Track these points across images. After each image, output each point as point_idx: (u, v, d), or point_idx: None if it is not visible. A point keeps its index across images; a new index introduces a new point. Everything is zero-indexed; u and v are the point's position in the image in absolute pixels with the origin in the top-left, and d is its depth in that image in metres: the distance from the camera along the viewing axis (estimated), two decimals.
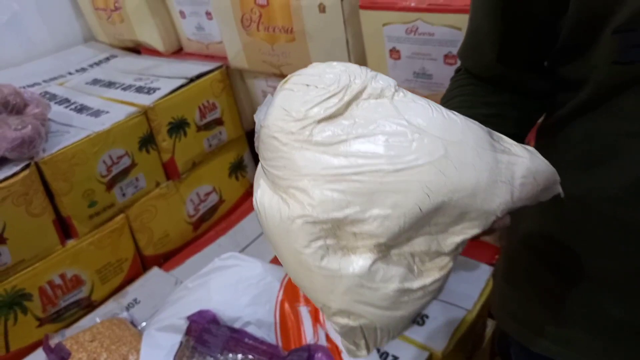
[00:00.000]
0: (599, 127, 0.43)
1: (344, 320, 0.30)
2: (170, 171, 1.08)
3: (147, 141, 1.03)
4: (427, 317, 0.91)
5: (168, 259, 1.11)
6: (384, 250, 0.29)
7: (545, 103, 0.51)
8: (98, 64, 1.29)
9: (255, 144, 0.33)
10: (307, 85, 0.31)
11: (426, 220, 0.30)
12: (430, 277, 0.31)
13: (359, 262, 0.29)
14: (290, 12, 0.92)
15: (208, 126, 1.13)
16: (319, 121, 0.29)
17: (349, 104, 0.30)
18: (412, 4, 0.78)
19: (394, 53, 0.84)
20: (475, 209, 0.30)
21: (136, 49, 1.35)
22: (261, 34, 0.99)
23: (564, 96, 0.46)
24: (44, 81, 1.21)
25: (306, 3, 0.89)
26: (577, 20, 0.41)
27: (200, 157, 1.13)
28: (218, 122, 1.15)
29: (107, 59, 1.31)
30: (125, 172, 1.00)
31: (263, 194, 0.31)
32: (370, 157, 0.28)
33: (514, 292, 0.63)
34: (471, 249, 1.02)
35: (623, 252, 0.46)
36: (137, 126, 1.00)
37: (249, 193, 1.28)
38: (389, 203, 0.28)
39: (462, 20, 0.74)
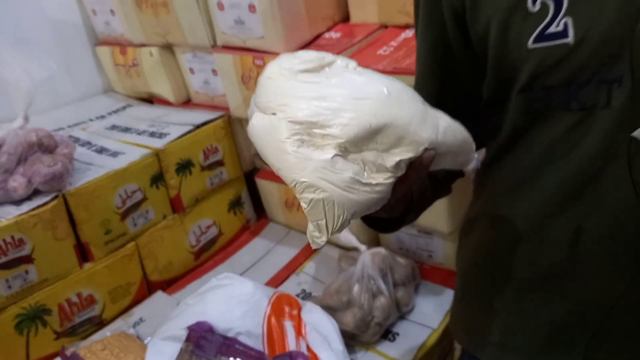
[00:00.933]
0: (518, 160, 0.57)
1: (310, 195, 0.41)
2: (176, 205, 1.23)
3: (157, 179, 1.18)
4: (398, 334, 1.03)
5: (171, 284, 1.24)
6: (344, 150, 0.42)
7: (480, 145, 0.66)
8: (116, 112, 1.46)
9: (249, 113, 0.46)
10: (293, 56, 0.45)
11: (373, 136, 0.42)
12: (375, 180, 0.43)
13: (325, 153, 0.41)
14: None
15: (211, 167, 1.29)
16: (302, 71, 0.43)
17: (323, 66, 0.44)
18: (381, 66, 0.96)
19: None
20: (409, 137, 0.43)
21: (149, 99, 1.53)
22: None
23: (492, 140, 0.61)
24: (69, 126, 1.37)
25: None
26: (493, 84, 0.56)
27: (203, 194, 1.28)
28: (219, 163, 1.31)
29: (124, 107, 1.49)
30: (137, 205, 1.15)
31: (257, 117, 0.44)
32: (339, 89, 0.42)
33: (464, 307, 0.75)
34: (439, 276, 1.16)
35: (541, 262, 0.58)
36: (149, 165, 1.16)
37: (245, 227, 1.42)
38: (348, 117, 0.41)
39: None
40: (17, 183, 1.00)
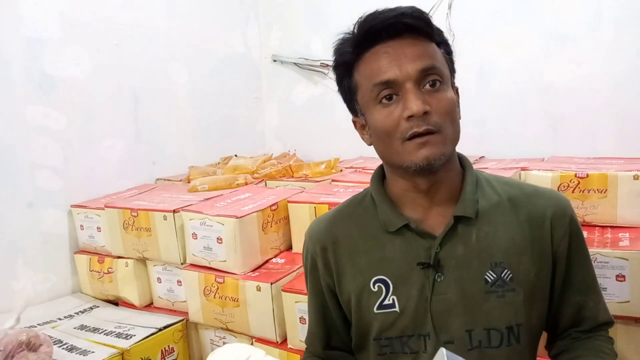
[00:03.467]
0: None
1: None
2: None
3: None
4: None
5: None
6: None
7: None
8: (83, 312, 1.66)
9: None
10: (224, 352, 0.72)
11: None
12: None
13: None
14: (238, 289, 1.40)
15: None
16: None
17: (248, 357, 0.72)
18: None
19: (302, 320, 1.31)
20: None
21: (114, 302, 1.75)
22: (216, 300, 1.45)
23: None
24: (39, 324, 1.55)
25: (248, 284, 1.39)
26: (356, 333, 0.84)
27: None
28: None
29: (91, 308, 1.69)
30: None
31: None
32: None
33: None
34: None
35: None
36: None
37: None
38: None
39: None
40: None
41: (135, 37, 1.98)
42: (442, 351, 0.64)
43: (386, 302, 0.78)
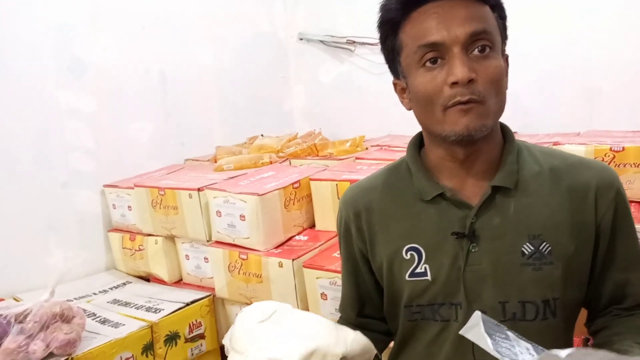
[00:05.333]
0: (409, 356, 0.83)
1: None
2: None
3: (148, 347, 1.41)
4: None
5: None
6: None
7: (389, 339, 0.91)
8: (117, 287, 1.73)
9: (226, 351, 0.74)
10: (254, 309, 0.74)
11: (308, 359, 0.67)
12: None
13: None
14: (261, 265, 1.43)
15: (193, 339, 1.52)
16: (261, 321, 0.71)
17: (274, 312, 0.72)
18: (333, 267, 1.30)
19: (323, 295, 1.32)
20: (330, 354, 0.68)
21: (146, 278, 1.81)
22: (240, 276, 1.48)
23: (394, 337, 0.87)
24: (75, 299, 1.63)
25: (271, 260, 1.40)
26: (387, 300, 0.84)
27: None
28: (201, 336, 1.55)
29: (124, 284, 1.76)
30: None
31: (232, 356, 0.71)
32: (284, 329, 0.70)
33: None
34: None
35: None
36: (143, 336, 1.40)
37: None
38: (290, 348, 0.67)
39: None
40: (37, 347, 1.22)
41: (161, 20, 2.01)
42: (478, 314, 0.62)
43: (418, 270, 0.77)
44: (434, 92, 0.70)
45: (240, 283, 1.48)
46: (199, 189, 1.57)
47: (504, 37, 0.74)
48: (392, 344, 0.90)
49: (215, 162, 1.93)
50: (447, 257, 0.76)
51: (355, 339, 0.73)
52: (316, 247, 1.45)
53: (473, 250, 0.75)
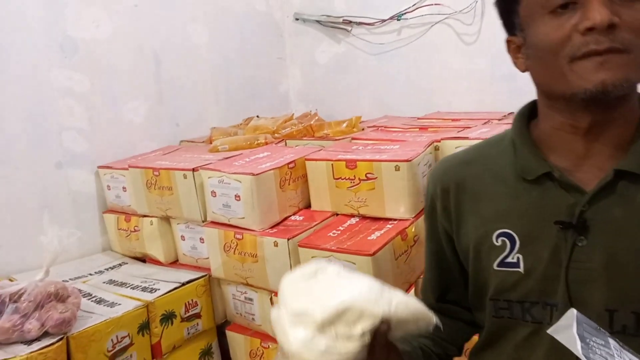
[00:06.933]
0: (494, 356, 0.73)
1: None
2: (155, 352, 1.44)
3: (144, 327, 1.41)
4: None
5: None
6: (321, 328, 0.61)
7: (474, 330, 0.81)
8: (113, 268, 1.73)
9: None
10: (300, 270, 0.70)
11: (342, 315, 0.61)
12: (345, 347, 0.61)
13: (307, 331, 0.62)
14: (256, 245, 1.42)
15: (189, 319, 1.53)
16: (303, 279, 0.68)
17: (317, 272, 0.69)
18: (328, 246, 1.30)
19: None
20: (368, 313, 0.61)
21: (142, 259, 1.81)
22: (236, 256, 1.48)
23: (481, 330, 0.77)
24: (71, 279, 1.62)
25: (266, 240, 1.40)
26: (472, 288, 0.75)
27: (179, 342, 1.50)
28: (197, 316, 1.55)
29: (120, 264, 1.76)
30: (124, 350, 1.36)
31: (274, 310, 0.69)
32: (322, 287, 0.66)
33: None
34: None
35: None
36: (139, 315, 1.40)
37: None
38: (323, 304, 0.63)
39: (356, 259, 1.24)
40: (32, 326, 1.22)
41: None
42: (572, 312, 0.56)
43: (509, 259, 0.67)
44: (560, 40, 0.58)
45: (235, 263, 1.48)
46: (193, 170, 1.55)
47: None
48: (476, 336, 0.83)
49: (211, 143, 1.91)
50: (545, 249, 0.65)
51: (402, 301, 0.63)
52: (312, 227, 1.45)
53: (580, 244, 0.64)
